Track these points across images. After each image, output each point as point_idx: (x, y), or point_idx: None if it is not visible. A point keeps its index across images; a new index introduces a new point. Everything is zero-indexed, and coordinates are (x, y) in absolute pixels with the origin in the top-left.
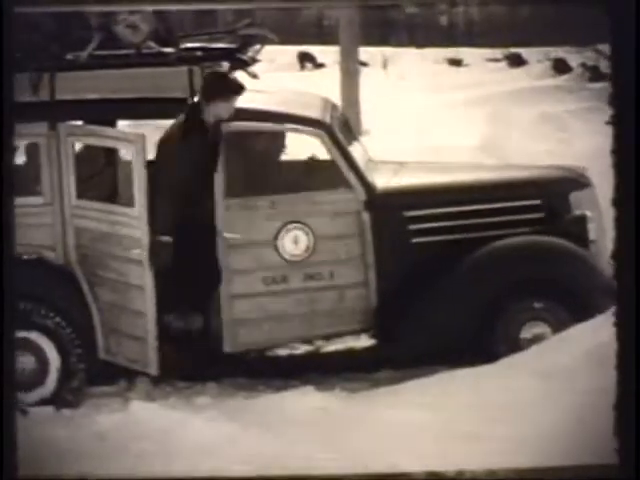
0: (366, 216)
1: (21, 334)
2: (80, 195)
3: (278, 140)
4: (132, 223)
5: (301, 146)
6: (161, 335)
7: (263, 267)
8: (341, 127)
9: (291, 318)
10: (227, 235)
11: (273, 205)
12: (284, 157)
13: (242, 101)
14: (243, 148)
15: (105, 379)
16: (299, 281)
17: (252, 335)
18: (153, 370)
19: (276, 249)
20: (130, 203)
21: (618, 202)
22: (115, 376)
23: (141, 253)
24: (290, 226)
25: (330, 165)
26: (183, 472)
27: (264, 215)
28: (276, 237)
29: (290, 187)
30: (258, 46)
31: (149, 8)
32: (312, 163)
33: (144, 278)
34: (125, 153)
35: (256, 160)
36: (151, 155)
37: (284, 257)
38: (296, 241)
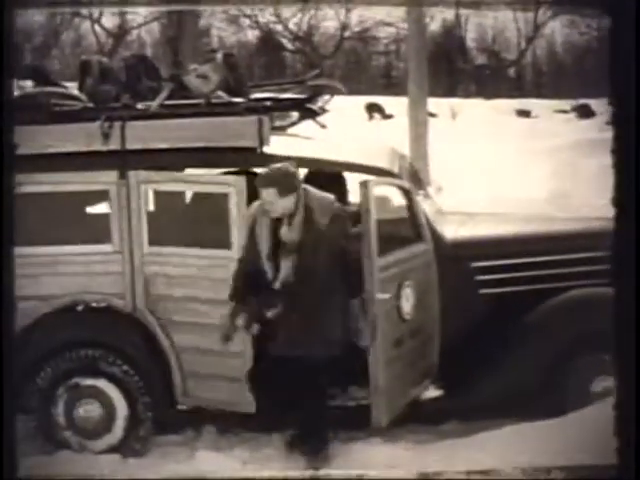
0: (434, 267)
1: (89, 382)
2: (153, 242)
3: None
4: (229, 265)
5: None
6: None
7: (393, 330)
8: (410, 178)
9: (405, 381)
10: (380, 297)
11: (395, 263)
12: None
13: (312, 151)
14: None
15: (172, 428)
16: (409, 340)
17: (396, 403)
18: (251, 408)
19: (398, 310)
20: (226, 245)
21: (618, 202)
22: (182, 425)
23: None
24: (404, 284)
25: (407, 216)
26: None
27: (390, 275)
28: (397, 297)
29: (393, 244)
30: (327, 96)
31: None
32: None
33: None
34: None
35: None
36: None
37: (403, 317)
38: (408, 299)
